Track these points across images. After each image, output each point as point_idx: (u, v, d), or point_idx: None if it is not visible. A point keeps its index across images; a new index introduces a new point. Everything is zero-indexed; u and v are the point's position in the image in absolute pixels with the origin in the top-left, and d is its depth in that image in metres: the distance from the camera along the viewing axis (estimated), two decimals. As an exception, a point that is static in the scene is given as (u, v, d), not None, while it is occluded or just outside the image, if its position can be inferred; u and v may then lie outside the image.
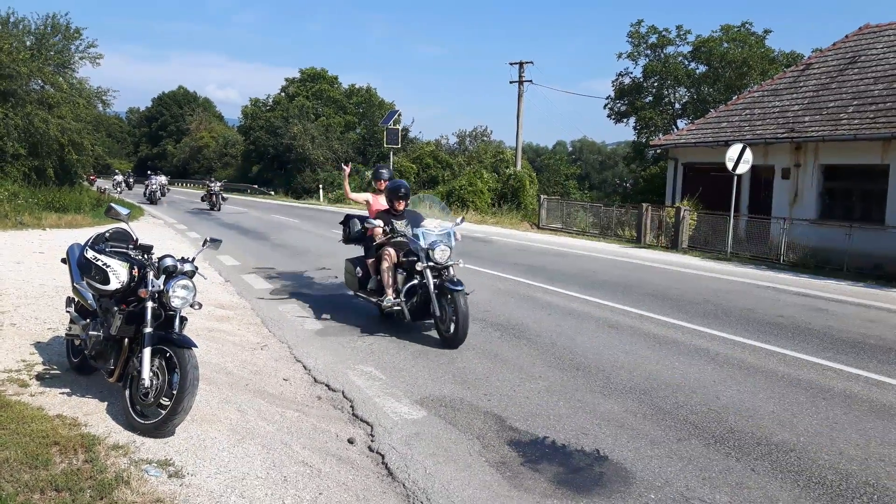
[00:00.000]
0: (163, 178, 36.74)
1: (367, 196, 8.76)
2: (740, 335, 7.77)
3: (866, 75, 18.42)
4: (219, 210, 28.65)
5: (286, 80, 62.87)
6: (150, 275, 4.52)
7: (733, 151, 16.69)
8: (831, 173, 17.65)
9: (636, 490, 3.90)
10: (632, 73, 41.04)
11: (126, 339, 4.54)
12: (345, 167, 9.15)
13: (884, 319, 9.23)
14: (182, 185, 64.18)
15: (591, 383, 5.85)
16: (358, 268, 8.13)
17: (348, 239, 8.56)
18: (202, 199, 30.81)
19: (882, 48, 19.03)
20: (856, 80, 18.52)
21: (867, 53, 19.28)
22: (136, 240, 5.01)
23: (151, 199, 33.24)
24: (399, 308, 7.30)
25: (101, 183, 38.49)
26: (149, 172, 38.28)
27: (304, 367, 6.18)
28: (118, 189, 40.27)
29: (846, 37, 20.76)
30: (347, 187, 9.12)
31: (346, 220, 8.56)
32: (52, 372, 5.38)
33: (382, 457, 4.26)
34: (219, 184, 30.48)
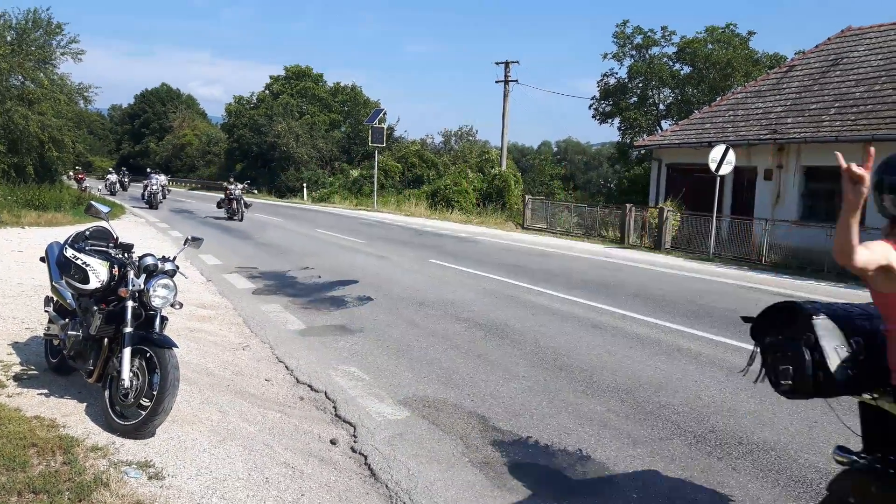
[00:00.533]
0: (163, 178, 31.14)
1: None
2: (722, 335, 7.81)
3: (848, 77, 18.64)
4: (241, 220, 22.49)
5: (270, 77, 62.37)
6: (131, 274, 4.47)
7: (716, 152, 16.84)
8: (813, 174, 17.83)
9: (618, 489, 3.91)
10: (617, 73, 41.25)
11: (106, 339, 4.49)
12: (857, 172, 2.44)
13: (863, 319, 9.31)
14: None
15: (573, 383, 5.87)
16: None
17: (820, 388, 2.81)
18: (218, 206, 24.32)
19: (864, 51, 19.27)
20: (838, 83, 18.73)
21: (849, 56, 19.51)
22: (117, 238, 4.96)
23: (151, 203, 27.61)
24: None
25: (91, 183, 35.54)
26: (148, 171, 32.26)
27: (286, 367, 6.14)
28: (111, 190, 36.88)
29: (828, 39, 21.01)
30: (855, 233, 2.35)
31: (786, 319, 2.93)
32: (29, 372, 5.31)
33: (365, 457, 4.24)
34: (240, 186, 23.52)
